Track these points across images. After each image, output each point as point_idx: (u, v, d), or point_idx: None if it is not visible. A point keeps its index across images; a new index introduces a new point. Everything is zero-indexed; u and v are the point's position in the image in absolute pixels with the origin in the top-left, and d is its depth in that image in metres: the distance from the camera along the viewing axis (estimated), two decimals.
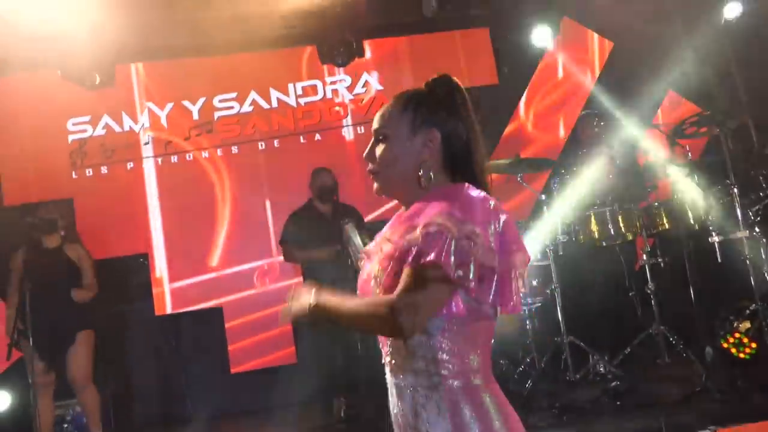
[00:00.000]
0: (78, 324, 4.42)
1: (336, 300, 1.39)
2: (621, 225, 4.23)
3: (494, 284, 1.33)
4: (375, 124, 1.52)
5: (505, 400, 1.37)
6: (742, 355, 3.20)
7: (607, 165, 4.22)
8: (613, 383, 3.62)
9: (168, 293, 5.80)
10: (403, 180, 1.45)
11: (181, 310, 5.80)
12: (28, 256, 4.40)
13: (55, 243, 4.56)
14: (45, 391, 4.38)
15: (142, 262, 5.85)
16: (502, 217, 1.37)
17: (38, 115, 5.81)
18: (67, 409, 4.93)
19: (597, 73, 6.42)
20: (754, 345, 3.20)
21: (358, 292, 1.49)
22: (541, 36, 6.01)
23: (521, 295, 1.42)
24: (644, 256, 4.28)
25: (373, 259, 1.44)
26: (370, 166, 1.50)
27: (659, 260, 4.32)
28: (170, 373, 5.76)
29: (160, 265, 5.84)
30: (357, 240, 2.21)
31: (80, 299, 4.43)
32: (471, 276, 1.27)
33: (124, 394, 5.63)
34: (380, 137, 1.49)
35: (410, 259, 1.29)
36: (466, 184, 1.39)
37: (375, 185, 1.50)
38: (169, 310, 5.79)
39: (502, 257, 1.33)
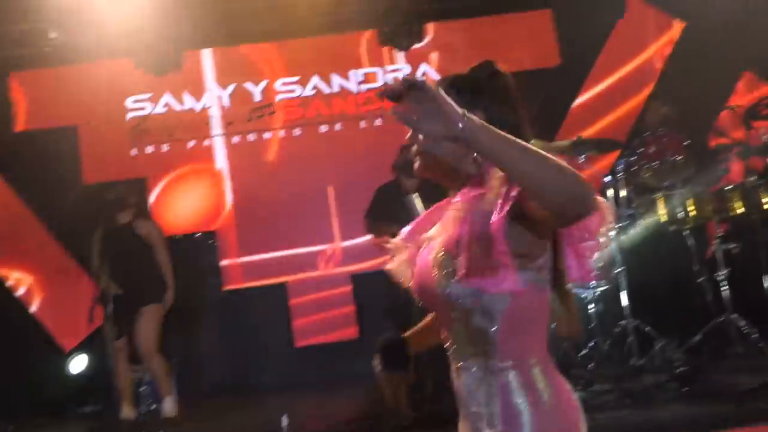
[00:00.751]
0: (147, 297, 4.66)
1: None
2: (691, 209, 4.12)
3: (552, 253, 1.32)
4: None
5: (562, 381, 1.36)
6: None
7: (677, 147, 4.11)
8: (680, 369, 3.57)
9: (233, 270, 6.01)
10: (446, 163, 1.41)
11: (247, 286, 6.01)
12: (104, 232, 4.65)
13: (126, 219, 4.80)
14: (120, 356, 4.63)
15: (210, 239, 6.08)
16: None
17: (108, 96, 6.08)
18: (145, 373, 5.22)
19: (667, 52, 6.23)
20: None
21: (412, 283, 1.46)
22: (606, 16, 5.88)
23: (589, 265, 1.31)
24: (715, 242, 4.17)
25: (431, 245, 1.40)
26: (414, 147, 1.45)
27: (731, 246, 4.20)
28: (236, 345, 6.00)
29: (227, 243, 6.05)
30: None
31: (160, 262, 4.66)
32: None
33: (192, 364, 5.90)
34: None
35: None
36: None
37: (416, 165, 1.45)
38: (235, 286, 6.01)
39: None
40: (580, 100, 6.22)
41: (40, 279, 5.96)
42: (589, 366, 4.04)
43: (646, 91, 6.04)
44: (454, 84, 1.44)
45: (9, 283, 5.92)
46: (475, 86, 1.43)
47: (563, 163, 1.10)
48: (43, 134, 6.06)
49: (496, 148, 1.12)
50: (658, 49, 6.24)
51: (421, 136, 1.34)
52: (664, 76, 6.09)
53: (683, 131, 4.57)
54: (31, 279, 5.97)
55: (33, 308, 5.92)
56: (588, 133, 5.82)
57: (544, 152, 1.11)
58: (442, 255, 1.34)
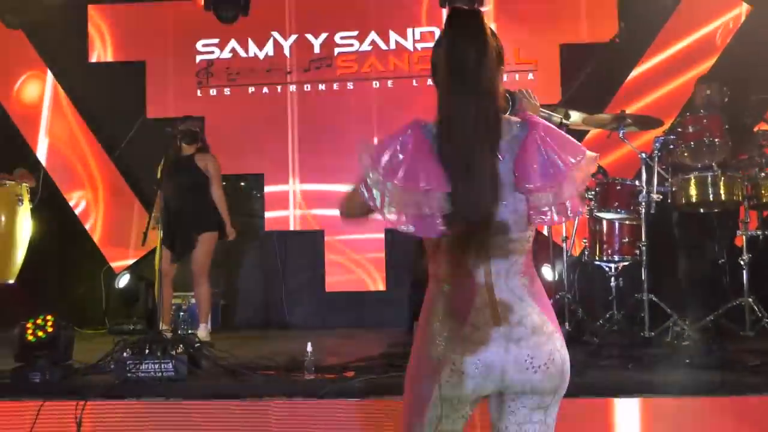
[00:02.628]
0: (204, 225, 4.95)
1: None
2: (722, 191, 4.16)
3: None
4: None
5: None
6: None
7: (716, 129, 4.13)
8: (686, 343, 3.68)
9: (279, 213, 6.33)
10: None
11: (287, 230, 6.33)
12: (168, 160, 4.93)
13: (190, 151, 5.10)
14: (166, 281, 5.00)
15: (258, 181, 6.41)
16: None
17: (178, 39, 6.40)
18: (185, 299, 5.62)
19: (729, 37, 6.11)
20: None
21: None
22: None
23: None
24: (742, 227, 4.20)
25: None
26: None
27: (759, 233, 4.22)
28: (272, 284, 6.35)
29: (274, 186, 6.36)
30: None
31: (214, 194, 4.97)
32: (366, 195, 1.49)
33: (230, 297, 6.30)
34: None
35: None
36: (408, 125, 1.51)
37: None
38: (277, 228, 6.34)
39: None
40: (634, 74, 6.18)
41: (98, 201, 6.42)
42: (600, 333, 4.17)
43: (702, 72, 5.96)
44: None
45: (71, 203, 6.40)
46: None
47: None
48: (113, 67, 6.46)
49: None
50: (719, 30, 6.12)
51: None
52: (722, 59, 5.99)
53: (731, 115, 4.57)
54: (90, 199, 6.43)
55: (89, 227, 6.39)
56: (640, 109, 5.84)
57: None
58: None
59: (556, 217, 1.50)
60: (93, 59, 6.50)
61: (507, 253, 1.51)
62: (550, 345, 1.52)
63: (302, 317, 6.22)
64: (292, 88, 6.42)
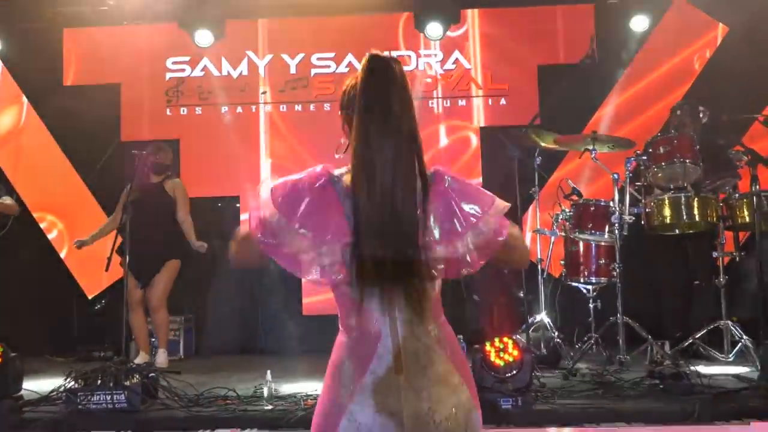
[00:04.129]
0: (168, 252, 4.90)
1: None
2: (696, 212, 4.10)
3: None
4: None
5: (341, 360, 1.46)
6: None
7: (687, 150, 4.08)
8: (659, 368, 3.58)
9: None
10: None
11: None
12: (135, 188, 4.88)
13: (158, 179, 5.06)
14: (136, 307, 4.90)
15: (233, 203, 6.32)
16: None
17: (153, 61, 6.36)
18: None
19: (707, 58, 6.11)
20: None
21: None
22: (643, 18, 5.86)
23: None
24: (718, 248, 4.13)
25: None
26: None
27: (734, 254, 4.15)
28: (248, 308, 6.24)
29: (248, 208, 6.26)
30: None
31: (181, 220, 4.95)
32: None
33: (205, 322, 6.18)
34: None
35: None
36: (313, 170, 1.45)
37: None
38: None
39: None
40: (612, 96, 6.17)
41: (71, 226, 6.32)
42: (575, 357, 4.08)
43: (680, 93, 5.94)
44: None
45: (43, 225, 6.30)
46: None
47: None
48: (88, 90, 6.40)
49: None
50: (696, 51, 6.12)
51: None
52: (700, 80, 5.98)
53: (707, 136, 4.53)
54: (63, 225, 6.33)
55: (62, 253, 6.28)
56: (618, 131, 5.80)
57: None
58: None
59: (449, 273, 1.42)
60: (68, 82, 6.44)
61: (413, 300, 1.43)
62: (454, 398, 1.42)
63: (279, 342, 6.09)
64: (267, 108, 6.37)
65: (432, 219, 1.40)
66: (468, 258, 1.41)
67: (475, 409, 1.46)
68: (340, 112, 1.55)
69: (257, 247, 1.43)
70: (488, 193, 1.48)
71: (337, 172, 1.46)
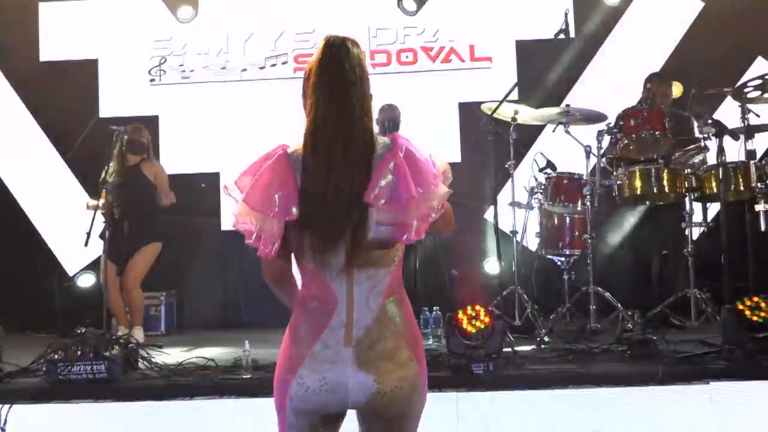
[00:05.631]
0: (147, 236, 4.93)
1: None
2: (666, 184, 4.20)
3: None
4: None
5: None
6: (755, 318, 3.19)
7: (657, 122, 4.16)
8: (627, 334, 3.70)
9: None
10: None
11: None
12: (113, 170, 4.86)
13: (134, 160, 5.05)
14: (112, 287, 4.91)
15: (213, 179, 6.33)
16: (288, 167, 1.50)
17: (131, 36, 6.32)
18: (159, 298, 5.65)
19: (682, 32, 6.18)
20: None
21: None
22: None
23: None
24: (687, 219, 4.24)
25: None
26: None
27: (702, 224, 4.26)
28: (230, 284, 6.29)
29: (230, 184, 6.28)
30: None
31: (162, 205, 4.95)
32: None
33: (188, 297, 6.23)
34: None
35: None
36: (274, 149, 1.55)
37: None
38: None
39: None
40: (589, 71, 6.22)
41: (50, 203, 6.31)
42: (547, 326, 4.19)
43: (655, 69, 6.01)
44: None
45: (22, 202, 6.28)
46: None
47: None
48: (65, 65, 6.35)
49: None
50: (672, 27, 6.19)
51: None
52: (675, 55, 6.06)
53: (679, 109, 4.62)
54: (41, 202, 6.32)
55: (41, 230, 6.27)
56: (595, 105, 5.86)
57: None
58: None
59: (396, 236, 1.49)
60: (44, 58, 6.38)
61: (370, 270, 1.51)
62: (400, 373, 1.51)
63: (261, 317, 6.14)
64: (248, 85, 6.37)
65: (380, 184, 1.46)
66: (414, 225, 1.47)
67: (421, 384, 1.55)
68: (302, 97, 1.61)
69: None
70: (437, 164, 1.54)
71: (292, 148, 1.53)
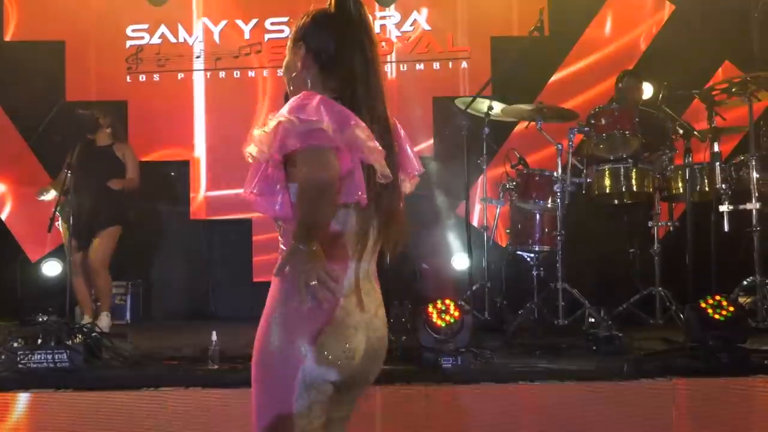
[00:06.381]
0: (110, 217, 4.82)
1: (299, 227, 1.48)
2: (634, 183, 4.26)
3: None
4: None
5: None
6: (717, 317, 3.27)
7: (627, 122, 4.22)
8: (593, 330, 3.75)
9: (203, 200, 6.18)
10: (292, 88, 1.65)
11: (214, 218, 6.19)
12: (80, 151, 4.77)
13: (105, 141, 4.94)
14: (76, 270, 4.82)
15: (183, 168, 6.24)
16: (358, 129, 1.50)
17: (101, 20, 6.17)
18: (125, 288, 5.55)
19: (653, 34, 6.27)
20: (731, 308, 3.26)
21: None
22: None
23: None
24: (654, 218, 4.31)
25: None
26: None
27: (669, 223, 4.34)
28: (198, 274, 6.21)
29: (200, 174, 6.20)
30: None
31: (116, 187, 4.79)
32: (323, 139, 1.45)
33: (154, 287, 6.13)
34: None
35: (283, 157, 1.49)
36: (318, 94, 1.51)
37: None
38: (203, 216, 6.19)
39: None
40: (562, 69, 6.28)
41: (13, 187, 6.14)
42: (515, 322, 4.22)
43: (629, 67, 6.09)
44: (298, 20, 1.66)
45: None
46: (305, 21, 1.64)
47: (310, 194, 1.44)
48: (31, 46, 6.17)
49: (310, 234, 1.46)
50: (644, 28, 6.28)
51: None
52: (646, 55, 6.15)
53: (648, 109, 4.69)
54: (4, 187, 6.15)
55: (3, 215, 6.11)
56: (568, 103, 5.92)
57: (306, 206, 1.45)
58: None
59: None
60: (8, 37, 6.20)
61: (391, 235, 1.60)
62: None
63: (229, 308, 6.09)
64: (222, 74, 6.28)
65: (407, 154, 1.67)
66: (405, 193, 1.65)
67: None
68: (297, 43, 1.62)
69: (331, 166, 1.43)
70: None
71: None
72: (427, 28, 6.31)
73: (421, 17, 6.32)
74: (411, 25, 6.34)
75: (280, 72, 6.25)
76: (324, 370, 1.47)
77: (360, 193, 1.47)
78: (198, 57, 6.27)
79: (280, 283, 1.54)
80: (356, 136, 1.46)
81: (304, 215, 1.44)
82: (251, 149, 1.52)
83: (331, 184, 1.42)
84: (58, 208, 4.60)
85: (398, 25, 6.34)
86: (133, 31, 6.26)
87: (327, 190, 1.42)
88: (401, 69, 6.32)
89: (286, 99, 1.58)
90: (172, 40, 6.27)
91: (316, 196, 1.42)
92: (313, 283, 1.43)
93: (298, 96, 1.50)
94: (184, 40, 6.29)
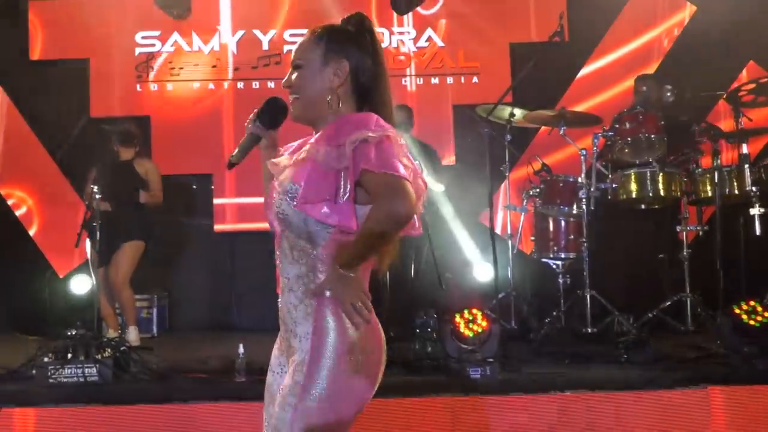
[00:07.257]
0: (132, 233, 4.84)
1: (346, 248, 1.47)
2: (661, 187, 4.19)
3: None
4: (292, 55, 1.65)
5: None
6: (752, 323, 3.19)
7: (652, 125, 4.16)
8: (623, 339, 3.69)
9: (226, 212, 6.23)
10: (314, 105, 1.58)
11: (237, 229, 6.22)
12: (104, 166, 4.83)
13: (128, 156, 4.99)
14: (103, 285, 4.85)
15: (206, 181, 6.28)
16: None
17: (122, 36, 6.26)
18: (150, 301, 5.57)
19: (675, 35, 6.20)
20: (766, 314, 3.18)
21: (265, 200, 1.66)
22: None
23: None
24: (682, 222, 4.24)
25: (283, 172, 1.56)
26: (290, 93, 1.62)
27: (698, 227, 4.26)
28: (222, 286, 6.24)
29: (222, 186, 6.25)
30: None
31: (144, 201, 4.84)
32: (402, 171, 1.44)
33: (180, 299, 6.17)
34: (296, 66, 1.61)
35: (357, 172, 1.44)
36: (374, 115, 1.51)
37: (291, 110, 1.63)
38: (226, 228, 6.23)
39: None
40: (583, 73, 6.23)
41: (40, 203, 6.23)
42: (543, 330, 4.17)
43: (649, 72, 6.02)
44: (325, 32, 1.60)
45: (11, 202, 6.21)
46: (343, 36, 1.60)
47: (385, 223, 1.43)
48: (56, 65, 6.28)
49: (359, 260, 1.50)
50: (665, 30, 6.21)
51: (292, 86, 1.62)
52: (668, 59, 6.07)
53: (672, 112, 4.62)
54: (31, 202, 6.24)
55: (31, 231, 6.20)
56: (587, 108, 5.87)
57: (372, 230, 1.44)
58: (288, 182, 1.51)
59: None
60: (35, 57, 6.31)
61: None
62: None
63: (253, 319, 6.10)
64: (240, 84, 6.33)
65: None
66: None
67: None
68: (334, 56, 1.57)
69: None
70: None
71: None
72: (441, 44, 6.32)
73: (435, 35, 6.32)
74: (426, 41, 6.34)
75: None
76: (371, 390, 1.52)
77: (418, 225, 1.54)
78: (215, 66, 6.31)
79: (319, 310, 1.50)
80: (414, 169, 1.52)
81: (369, 247, 1.46)
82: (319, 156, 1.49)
83: (410, 218, 1.45)
84: (84, 225, 4.63)
85: (414, 40, 6.36)
86: (144, 38, 6.31)
87: (405, 226, 1.46)
88: (418, 83, 6.34)
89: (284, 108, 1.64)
90: (186, 48, 6.31)
91: (392, 230, 1.45)
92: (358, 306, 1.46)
93: (368, 119, 1.49)
94: (199, 48, 6.32)
